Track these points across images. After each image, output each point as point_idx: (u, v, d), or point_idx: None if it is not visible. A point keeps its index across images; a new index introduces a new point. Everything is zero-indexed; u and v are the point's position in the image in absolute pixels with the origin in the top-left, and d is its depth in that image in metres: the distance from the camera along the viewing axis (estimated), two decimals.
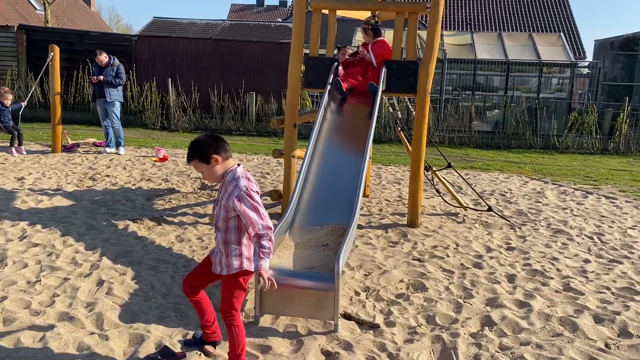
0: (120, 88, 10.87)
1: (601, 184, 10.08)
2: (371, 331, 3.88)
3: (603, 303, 4.44)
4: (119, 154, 10.89)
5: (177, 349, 3.52)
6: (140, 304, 4.16)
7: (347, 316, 4.07)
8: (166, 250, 5.40)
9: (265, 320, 3.97)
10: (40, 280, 4.51)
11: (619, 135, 14.49)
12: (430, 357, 3.55)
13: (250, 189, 2.99)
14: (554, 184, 9.82)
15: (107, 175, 8.77)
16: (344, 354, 3.53)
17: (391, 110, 7.57)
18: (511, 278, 4.97)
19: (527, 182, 9.95)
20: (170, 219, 6.48)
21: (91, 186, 7.97)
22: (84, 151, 11.08)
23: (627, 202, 8.49)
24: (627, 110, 14.48)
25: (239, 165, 3.10)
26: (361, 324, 3.99)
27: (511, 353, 3.56)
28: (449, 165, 7.17)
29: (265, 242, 3.00)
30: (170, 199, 7.42)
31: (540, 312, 4.18)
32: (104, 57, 10.71)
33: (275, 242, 3.97)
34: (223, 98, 16.46)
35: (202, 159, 2.99)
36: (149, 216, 6.51)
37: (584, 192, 9.10)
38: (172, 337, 3.66)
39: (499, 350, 3.61)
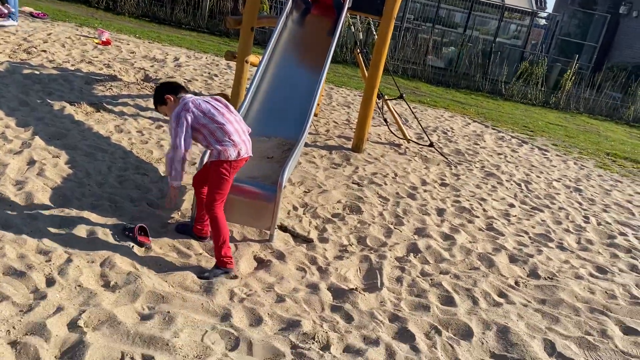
0: None
1: (537, 135, 10.54)
2: (304, 245, 4.01)
3: (520, 245, 4.79)
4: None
5: (109, 237, 3.49)
6: (73, 189, 4.04)
7: (283, 228, 4.17)
8: (104, 138, 5.21)
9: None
10: None
11: (562, 90, 15.01)
12: (357, 275, 3.74)
13: (178, 116, 3.35)
14: (494, 129, 10.16)
15: (44, 51, 8.18)
16: (276, 262, 3.65)
17: (352, 30, 7.40)
18: (440, 212, 5.22)
19: (470, 123, 10.23)
20: (110, 107, 6.20)
21: (25, 60, 7.42)
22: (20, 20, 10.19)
23: (557, 155, 8.96)
24: (575, 67, 14.93)
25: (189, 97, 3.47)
26: (296, 236, 4.11)
27: (430, 279, 3.81)
28: (401, 96, 7.21)
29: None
30: (111, 86, 7.07)
31: (462, 247, 4.45)
32: None
33: None
34: None
35: (160, 102, 3.49)
36: (88, 101, 6.20)
37: (520, 141, 9.50)
38: (104, 226, 3.62)
39: (420, 276, 3.85)
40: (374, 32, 7.50)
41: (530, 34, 17.87)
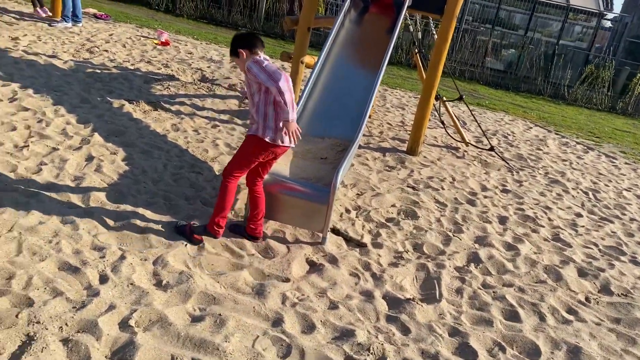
0: None
1: (603, 141, 9.96)
2: (357, 249, 3.86)
3: (589, 258, 4.46)
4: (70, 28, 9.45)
5: (163, 235, 3.46)
6: (129, 186, 4.06)
7: (336, 231, 4.04)
8: (160, 137, 5.24)
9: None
10: (29, 145, 4.36)
11: (631, 95, 14.19)
12: (413, 284, 3.56)
13: (259, 62, 3.26)
14: (557, 134, 9.68)
15: (106, 50, 8.40)
16: (329, 266, 3.52)
17: (410, 29, 7.19)
18: (503, 220, 4.95)
19: (531, 127, 9.79)
20: (167, 106, 6.26)
21: (88, 59, 7.62)
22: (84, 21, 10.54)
23: (626, 163, 8.42)
24: None
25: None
26: (349, 240, 3.97)
27: (493, 292, 3.57)
28: (460, 98, 6.94)
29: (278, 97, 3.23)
30: (169, 85, 7.15)
31: (527, 258, 4.18)
32: None
33: None
34: None
35: (233, 54, 3.40)
36: (146, 99, 6.29)
37: (585, 147, 9.00)
38: (158, 223, 3.59)
39: (482, 288, 3.62)
40: (433, 32, 7.27)
41: (596, 36, 17.03)
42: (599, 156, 8.55)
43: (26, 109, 5.14)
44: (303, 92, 4.84)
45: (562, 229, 5.03)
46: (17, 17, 9.43)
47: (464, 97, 6.97)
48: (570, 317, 3.45)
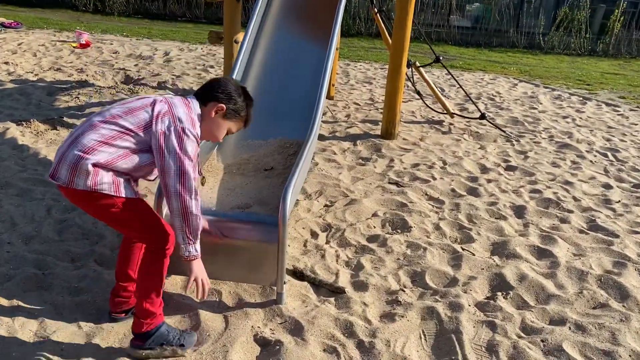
0: None
1: (596, 88, 8.85)
2: (333, 299, 2.62)
3: None
4: None
5: (27, 341, 2.17)
6: None
7: (299, 274, 2.78)
8: (51, 166, 3.89)
9: (174, 283, 2.64)
10: None
11: (610, 35, 13.12)
12: (421, 346, 2.33)
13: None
14: (546, 88, 8.52)
15: (6, 63, 6.95)
16: (290, 342, 2.26)
17: None
18: (519, 211, 3.74)
19: (516, 84, 8.62)
20: (71, 121, 4.89)
21: None
22: None
23: (631, 110, 7.31)
24: (623, 6, 13.00)
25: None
26: (318, 285, 2.72)
27: (541, 341, 2.36)
28: (437, 60, 5.68)
29: None
30: (79, 94, 5.76)
31: (570, 267, 2.98)
32: None
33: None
34: None
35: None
36: (43, 116, 4.91)
37: (581, 98, 7.86)
38: (28, 314, 2.29)
39: (523, 335, 2.41)
40: None
41: None
42: (599, 106, 7.42)
43: None
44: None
45: (595, 210, 3.85)
46: None
47: (441, 58, 5.71)
48: None
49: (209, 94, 2.18)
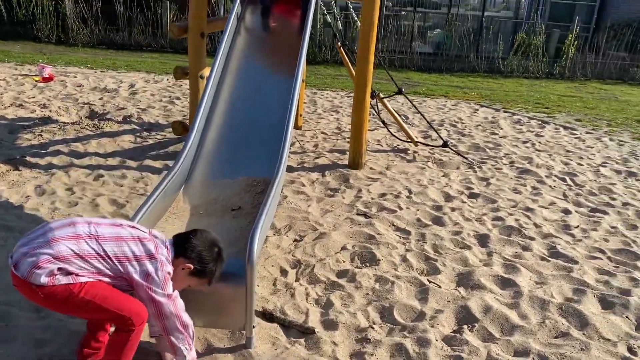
0: None
1: (554, 111, 9.18)
2: (303, 340, 2.64)
3: (603, 274, 3.42)
4: None
5: None
6: None
7: (268, 315, 2.79)
8: (14, 210, 3.82)
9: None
10: None
11: (565, 58, 13.66)
12: None
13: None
14: (506, 112, 8.80)
15: None
16: None
17: (329, 20, 6.04)
18: (483, 239, 3.85)
19: (477, 109, 8.87)
20: (34, 160, 4.82)
21: None
22: None
23: (587, 133, 7.60)
24: (576, 31, 13.58)
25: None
26: (288, 327, 2.73)
27: None
28: (400, 92, 5.83)
29: None
30: (42, 131, 5.69)
31: (532, 296, 3.07)
32: None
33: (161, 205, 2.74)
34: (130, 7, 14.01)
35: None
36: (5, 156, 4.83)
37: (540, 122, 8.14)
38: None
39: None
40: (355, 19, 6.14)
41: (520, 2, 16.54)
42: (557, 129, 7.70)
43: None
44: (196, 118, 3.56)
45: (555, 236, 3.98)
46: None
47: (403, 90, 5.87)
48: None
49: (183, 247, 2.24)
